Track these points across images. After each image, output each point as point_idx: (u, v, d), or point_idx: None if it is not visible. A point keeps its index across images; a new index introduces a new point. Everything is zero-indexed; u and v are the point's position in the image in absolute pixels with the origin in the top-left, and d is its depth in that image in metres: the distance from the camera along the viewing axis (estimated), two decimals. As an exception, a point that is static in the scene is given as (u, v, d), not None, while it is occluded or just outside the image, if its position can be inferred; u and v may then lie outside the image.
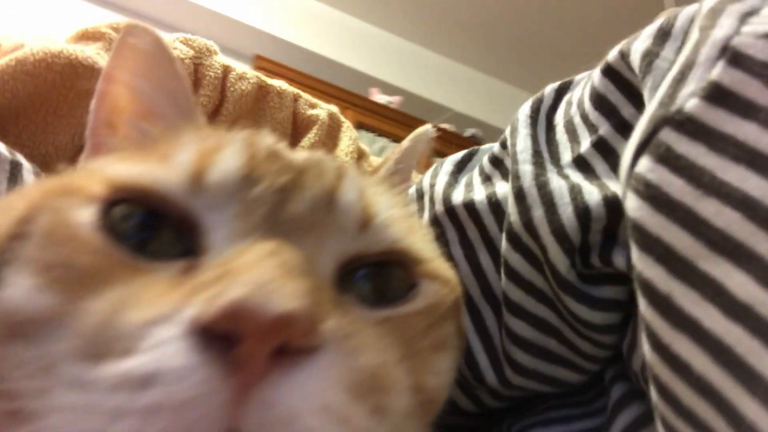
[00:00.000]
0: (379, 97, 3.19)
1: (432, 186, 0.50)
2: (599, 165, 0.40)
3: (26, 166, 0.47)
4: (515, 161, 0.42)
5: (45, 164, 0.60)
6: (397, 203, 0.36)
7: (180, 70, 0.40)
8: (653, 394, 0.28)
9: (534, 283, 0.41)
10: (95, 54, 0.61)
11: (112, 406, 0.20)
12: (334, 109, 0.82)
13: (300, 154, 0.33)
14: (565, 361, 0.43)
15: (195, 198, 0.28)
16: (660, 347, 0.26)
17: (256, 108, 0.75)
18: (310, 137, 0.76)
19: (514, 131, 0.44)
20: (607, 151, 0.39)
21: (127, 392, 0.20)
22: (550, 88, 0.47)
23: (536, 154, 0.41)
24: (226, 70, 0.73)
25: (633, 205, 0.27)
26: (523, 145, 0.42)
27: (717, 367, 0.24)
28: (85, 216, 0.27)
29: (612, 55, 0.39)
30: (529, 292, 0.41)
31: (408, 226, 0.35)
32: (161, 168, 0.29)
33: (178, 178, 0.28)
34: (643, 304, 0.28)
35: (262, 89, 0.75)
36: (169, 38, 0.71)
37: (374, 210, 0.32)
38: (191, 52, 0.71)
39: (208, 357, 0.20)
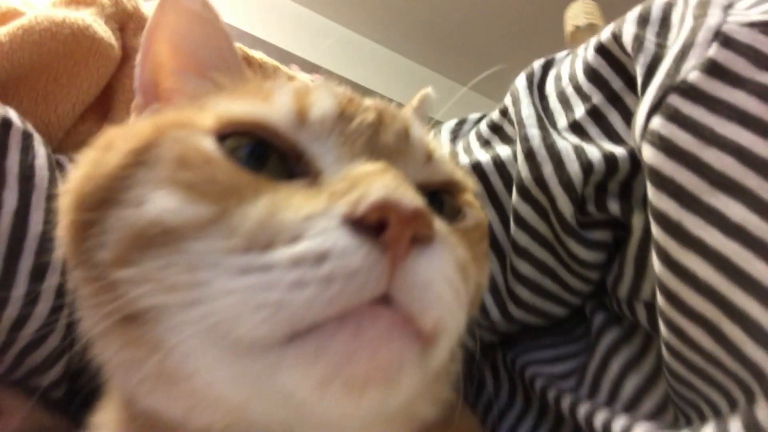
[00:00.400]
0: (299, 75, 3.18)
1: None
2: (592, 129, 0.46)
3: (36, 136, 0.48)
4: (522, 126, 0.48)
5: (47, 132, 0.60)
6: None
7: (224, 27, 0.43)
8: (660, 301, 0.35)
9: (539, 230, 0.48)
10: (93, 22, 0.61)
11: (292, 279, 0.25)
12: (309, 78, 0.85)
13: (367, 101, 0.38)
14: (556, 297, 0.50)
15: (300, 132, 0.33)
16: (670, 263, 0.33)
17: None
18: None
19: (516, 101, 0.51)
20: (599, 118, 0.46)
21: (307, 267, 0.25)
22: (537, 64, 0.54)
23: (540, 120, 0.48)
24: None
25: (649, 154, 0.34)
26: (528, 111, 0.49)
27: (718, 275, 0.31)
28: (209, 144, 0.32)
29: (605, 36, 0.45)
30: (534, 238, 0.48)
31: (453, 163, 0.42)
32: (266, 107, 0.33)
33: (285, 116, 0.33)
34: (656, 230, 0.34)
35: (246, 59, 0.77)
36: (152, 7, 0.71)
37: (433, 147, 0.39)
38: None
39: (363, 240, 0.26)
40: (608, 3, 2.67)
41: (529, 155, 0.46)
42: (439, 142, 0.44)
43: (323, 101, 0.34)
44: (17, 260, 0.42)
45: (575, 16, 2.57)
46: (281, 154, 0.33)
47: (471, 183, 0.43)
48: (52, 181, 0.46)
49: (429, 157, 0.38)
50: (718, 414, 0.33)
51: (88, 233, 0.33)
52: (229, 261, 0.27)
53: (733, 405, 0.32)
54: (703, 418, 0.35)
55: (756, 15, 0.33)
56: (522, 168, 0.47)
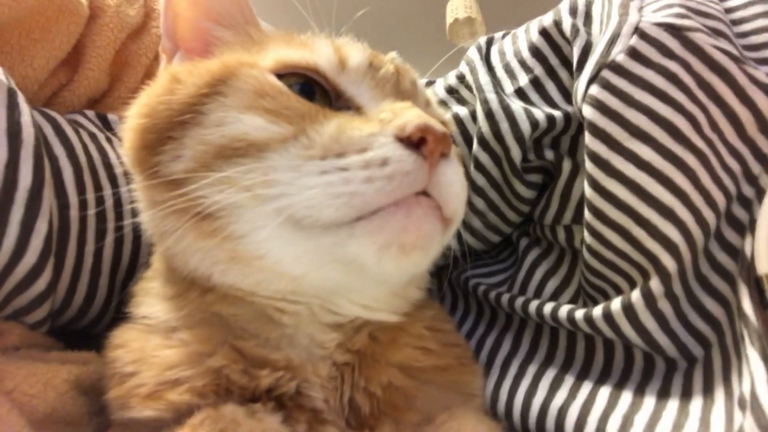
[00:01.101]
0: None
1: None
2: (533, 95, 0.59)
3: (20, 94, 0.49)
4: (481, 91, 0.60)
5: (24, 85, 0.63)
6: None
7: None
8: (587, 216, 0.48)
9: (492, 173, 0.60)
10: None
11: (364, 176, 0.36)
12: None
13: (383, 55, 0.50)
14: (495, 228, 0.64)
15: (341, 76, 0.44)
16: (599, 188, 0.46)
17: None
18: None
19: (473, 70, 0.63)
20: (539, 86, 0.59)
21: (375, 168, 0.36)
22: (482, 41, 0.67)
23: (495, 86, 0.60)
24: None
25: (588, 112, 0.46)
26: (484, 79, 0.61)
27: (632, 195, 0.44)
28: (275, 80, 0.42)
29: (547, 21, 0.58)
30: (488, 179, 0.60)
31: (441, 109, 0.54)
32: (315, 56, 0.44)
33: (329, 63, 0.44)
34: (589, 165, 0.47)
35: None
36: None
37: (428, 96, 0.52)
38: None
39: (410, 152, 0.37)
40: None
41: (489, 115, 0.58)
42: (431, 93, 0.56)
43: (357, 53, 0.45)
44: (8, 211, 0.44)
45: (455, 9, 2.78)
46: (324, 91, 0.43)
47: (451, 123, 0.56)
48: (38, 138, 0.48)
49: (428, 103, 0.50)
50: (620, 293, 0.46)
51: (160, 149, 0.41)
52: (309, 165, 0.37)
53: (633, 285, 0.45)
54: (607, 299, 0.48)
55: (660, 18, 0.46)
56: (482, 124, 0.58)
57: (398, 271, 0.39)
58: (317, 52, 0.44)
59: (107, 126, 0.66)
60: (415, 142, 0.37)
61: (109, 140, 0.62)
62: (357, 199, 0.36)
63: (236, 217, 0.39)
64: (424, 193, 0.38)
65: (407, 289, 0.50)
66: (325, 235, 0.37)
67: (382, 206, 0.36)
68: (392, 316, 0.48)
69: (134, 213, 0.49)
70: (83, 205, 0.52)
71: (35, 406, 0.43)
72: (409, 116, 0.38)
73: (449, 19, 2.83)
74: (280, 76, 0.42)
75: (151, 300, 0.48)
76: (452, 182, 0.40)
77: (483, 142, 0.59)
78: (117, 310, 0.57)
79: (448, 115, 0.55)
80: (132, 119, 0.44)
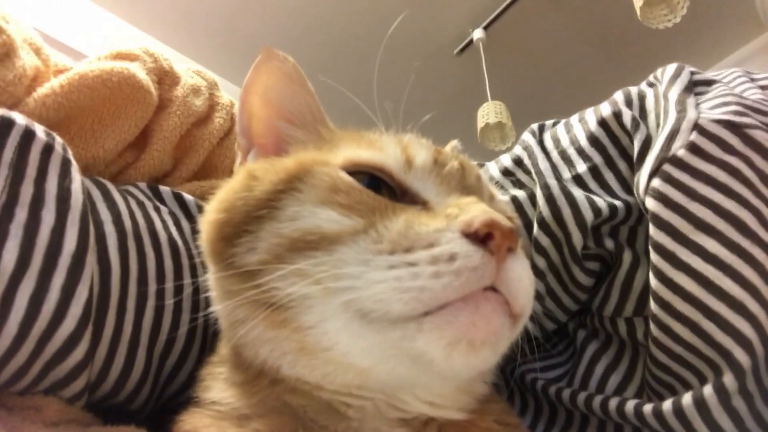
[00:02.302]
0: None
1: None
2: (592, 183, 0.60)
3: (74, 164, 0.51)
4: (541, 176, 0.61)
5: (94, 164, 0.66)
6: None
7: (309, 86, 0.54)
8: (654, 308, 0.47)
9: (552, 257, 0.60)
10: (137, 72, 0.69)
11: (432, 271, 0.36)
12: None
13: (446, 149, 0.51)
14: (551, 315, 0.63)
15: (408, 174, 0.45)
16: (665, 280, 0.46)
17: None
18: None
19: (531, 154, 0.64)
20: (598, 175, 0.60)
21: (443, 263, 0.37)
22: (535, 127, 0.68)
23: (555, 171, 0.61)
24: (231, 101, 0.84)
25: (651, 204, 0.47)
26: (544, 165, 0.62)
27: (699, 288, 0.44)
28: (346, 176, 0.43)
29: (606, 113, 0.60)
30: (548, 263, 0.60)
31: (504, 203, 0.54)
32: (383, 155, 0.46)
33: (397, 162, 0.45)
34: (654, 257, 0.47)
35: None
36: (184, 70, 0.80)
37: (492, 190, 0.53)
38: (206, 83, 0.81)
39: (477, 247, 0.37)
40: (513, 104, 3.02)
41: (550, 199, 0.58)
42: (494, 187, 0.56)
43: (422, 153, 0.47)
44: (51, 276, 0.44)
45: (487, 114, 2.91)
46: (389, 187, 0.45)
47: (516, 218, 0.56)
48: (85, 204, 0.49)
49: (492, 197, 0.51)
50: (689, 389, 0.45)
51: (236, 242, 0.43)
52: (378, 260, 0.38)
53: (703, 380, 0.44)
54: (674, 395, 0.46)
55: (718, 115, 0.48)
56: (543, 209, 0.59)
57: (467, 368, 0.39)
58: (385, 151, 0.46)
59: (158, 196, 0.67)
60: (482, 237, 0.38)
61: (157, 209, 0.63)
62: (425, 293, 0.36)
63: (306, 309, 0.39)
64: (493, 289, 0.38)
65: (474, 385, 0.49)
66: (393, 330, 0.37)
67: (450, 301, 0.36)
68: (459, 413, 0.47)
69: (207, 303, 0.50)
70: (125, 272, 0.52)
71: None
72: (475, 211, 0.39)
73: (480, 124, 2.95)
74: (350, 173, 0.44)
75: (220, 385, 0.48)
76: (521, 277, 0.40)
77: (544, 226, 0.59)
78: (153, 389, 0.57)
79: (509, 209, 0.56)
80: (210, 213, 0.47)
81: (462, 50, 3.31)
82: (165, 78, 0.75)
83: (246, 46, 3.11)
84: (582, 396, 0.53)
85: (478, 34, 3.16)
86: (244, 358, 0.46)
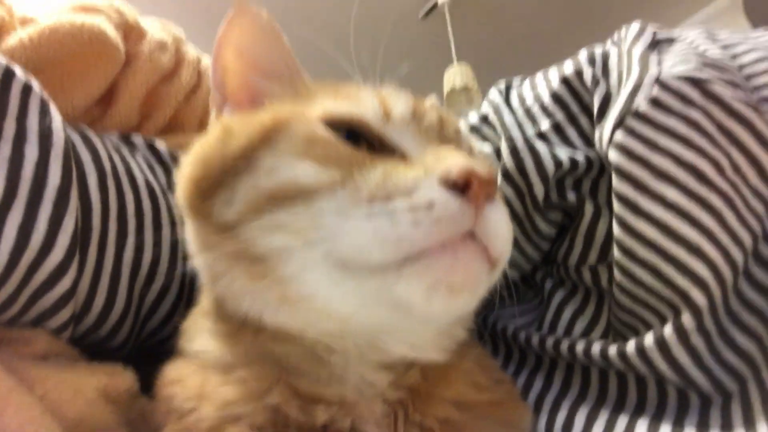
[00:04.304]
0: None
1: None
2: (554, 138, 0.62)
3: (52, 104, 0.52)
4: (506, 129, 0.62)
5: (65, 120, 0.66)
6: None
7: (285, 41, 0.54)
8: (617, 255, 0.49)
9: (514, 207, 0.62)
10: (107, 29, 0.69)
11: (411, 219, 0.37)
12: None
13: (425, 102, 0.52)
14: (515, 263, 0.66)
15: (386, 126, 0.45)
16: (627, 228, 0.48)
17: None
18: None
19: (497, 110, 0.66)
20: (560, 131, 0.62)
21: (422, 211, 0.37)
22: (502, 86, 0.70)
23: (519, 126, 0.63)
24: (198, 56, 0.84)
25: (614, 156, 0.49)
26: (509, 119, 0.64)
27: (660, 234, 0.46)
28: (323, 130, 0.44)
29: (568, 71, 0.62)
30: (511, 213, 0.60)
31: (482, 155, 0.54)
32: (361, 108, 0.46)
33: (375, 115, 0.45)
34: (617, 206, 0.49)
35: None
36: (150, 24, 0.80)
37: (472, 143, 0.53)
38: (171, 38, 0.81)
39: (456, 195, 0.38)
40: (479, 67, 3.03)
41: (514, 151, 0.61)
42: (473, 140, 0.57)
43: (401, 105, 0.47)
44: (38, 208, 0.45)
45: (452, 78, 2.92)
46: (368, 139, 0.45)
47: (495, 171, 0.57)
48: (67, 142, 0.50)
49: (471, 150, 0.52)
50: (651, 330, 0.47)
51: (213, 195, 0.44)
52: (357, 209, 0.38)
53: (663, 321, 0.47)
54: (638, 336, 0.49)
55: (679, 71, 0.49)
56: (507, 160, 0.61)
57: (446, 312, 0.40)
58: (363, 103, 0.46)
59: (131, 144, 0.68)
60: (461, 185, 0.38)
61: (132, 154, 0.64)
62: (404, 242, 0.37)
63: (286, 260, 0.40)
64: (471, 235, 0.39)
65: (454, 329, 0.51)
66: (372, 277, 0.38)
67: (429, 248, 0.37)
68: (440, 354, 0.48)
69: (184, 256, 0.51)
70: (105, 209, 0.53)
71: (65, 412, 0.43)
72: (453, 160, 0.40)
73: (446, 89, 2.95)
74: (328, 126, 0.45)
75: (204, 336, 0.49)
76: (498, 224, 0.40)
77: (507, 177, 0.61)
78: (135, 322, 0.58)
79: (487, 153, 0.57)
80: (186, 167, 0.47)
81: (427, 14, 3.29)
82: (131, 33, 0.74)
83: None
84: (551, 340, 0.56)
85: (442, -4, 3.15)
86: (226, 310, 0.46)
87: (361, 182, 0.40)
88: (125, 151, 0.63)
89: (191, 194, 0.46)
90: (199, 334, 0.49)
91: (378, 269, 0.38)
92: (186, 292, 0.64)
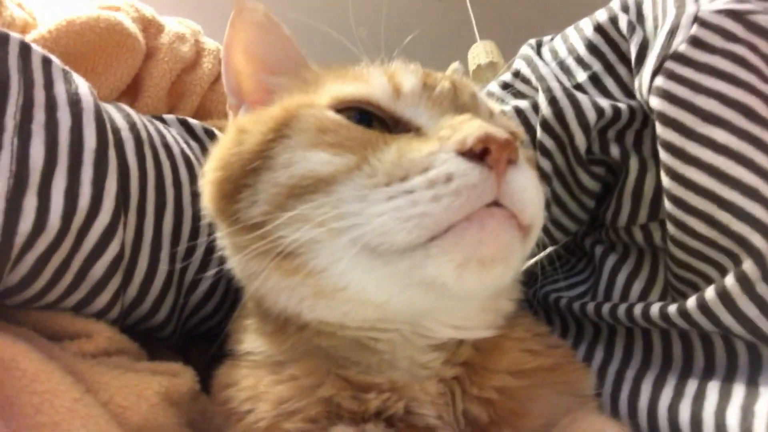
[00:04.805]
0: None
1: None
2: (592, 90, 0.58)
3: (75, 74, 0.52)
4: (543, 80, 0.59)
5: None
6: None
7: (285, 32, 0.53)
8: (668, 206, 0.46)
9: (556, 159, 0.59)
10: (124, 20, 0.69)
11: (430, 195, 0.36)
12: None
13: (438, 73, 0.50)
14: (558, 223, 0.63)
15: (397, 103, 0.44)
16: (677, 176, 0.45)
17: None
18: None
19: (530, 63, 0.63)
20: (598, 82, 0.59)
21: (441, 185, 0.36)
22: (533, 41, 0.67)
23: (555, 77, 0.59)
24: (218, 46, 0.84)
25: (656, 103, 0.46)
26: (545, 70, 0.60)
27: (712, 179, 0.43)
28: (334, 115, 0.43)
29: (602, 18, 0.58)
30: (553, 166, 0.59)
31: (506, 118, 0.52)
32: (369, 88, 0.44)
33: (384, 93, 0.44)
34: (664, 155, 0.46)
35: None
36: (167, 20, 0.80)
37: (491, 106, 0.51)
38: (189, 30, 0.81)
39: (474, 164, 0.36)
40: (502, 42, 2.97)
41: (553, 101, 0.57)
42: (493, 103, 0.54)
43: (410, 78, 0.45)
44: (79, 171, 0.45)
45: (477, 55, 2.86)
46: (381, 119, 0.43)
47: (521, 131, 0.55)
48: (97, 105, 0.50)
49: (491, 114, 0.50)
50: (712, 284, 0.44)
51: (237, 197, 0.43)
52: (376, 193, 0.37)
53: (724, 273, 0.44)
54: (698, 291, 0.46)
55: (718, 5, 0.46)
56: (546, 111, 0.58)
57: (481, 287, 0.38)
58: (371, 83, 0.45)
59: (163, 121, 0.68)
60: (478, 153, 0.36)
61: (166, 128, 0.64)
62: (427, 219, 0.35)
63: (315, 253, 0.39)
64: (497, 204, 0.37)
65: (498, 303, 0.49)
66: (401, 260, 0.37)
67: (454, 223, 0.36)
68: (487, 332, 0.47)
69: (221, 261, 0.50)
70: (143, 176, 0.53)
71: (129, 418, 0.43)
72: (468, 129, 0.38)
73: (472, 66, 2.89)
74: (338, 111, 0.43)
75: (251, 336, 0.49)
76: (524, 188, 0.38)
77: (547, 127, 0.58)
78: (177, 298, 0.57)
79: (512, 124, 0.54)
80: (208, 173, 0.47)
81: (446, -8, 3.25)
82: (149, 27, 0.75)
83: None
84: (606, 307, 0.53)
85: (460, -27, 3.10)
86: (267, 309, 0.46)
87: (376, 164, 0.38)
88: (159, 125, 0.62)
89: (217, 198, 0.45)
90: (247, 335, 0.49)
91: (406, 251, 0.36)
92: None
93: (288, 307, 0.44)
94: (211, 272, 0.58)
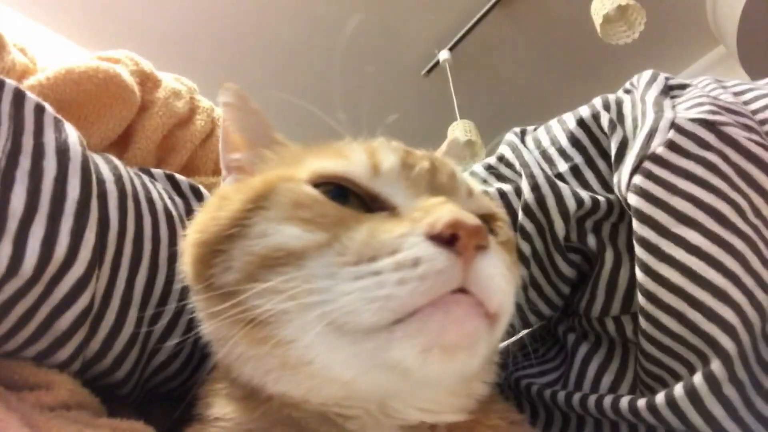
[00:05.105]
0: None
1: None
2: (572, 180, 0.61)
3: (66, 123, 0.53)
4: (527, 166, 0.61)
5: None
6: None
7: (255, 106, 0.57)
8: (641, 301, 0.48)
9: (535, 243, 0.60)
10: (122, 72, 0.70)
11: (397, 278, 0.36)
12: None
13: (417, 151, 0.51)
14: (534, 306, 0.64)
15: (375, 180, 0.44)
16: (651, 272, 0.47)
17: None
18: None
19: (515, 149, 0.65)
20: (578, 174, 0.61)
21: (407, 269, 0.36)
22: (517, 130, 0.70)
23: (538, 165, 0.62)
24: (211, 105, 0.86)
25: (633, 200, 0.49)
26: (528, 157, 0.63)
27: (684, 278, 0.45)
28: (312, 190, 0.43)
29: (585, 114, 0.62)
30: (532, 250, 0.61)
31: (487, 198, 0.53)
32: (348, 164, 0.45)
33: (362, 169, 0.45)
34: (639, 251, 0.48)
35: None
36: (164, 75, 0.81)
37: (472, 185, 0.51)
38: (185, 87, 0.83)
39: (442, 249, 0.37)
40: (481, 122, 3.08)
41: (535, 188, 0.59)
42: (475, 182, 0.55)
43: (389, 157, 0.46)
44: (59, 221, 0.45)
45: (455, 133, 2.96)
46: (358, 195, 0.44)
47: (501, 212, 0.55)
48: (85, 156, 0.50)
49: (470, 193, 0.50)
50: (679, 380, 0.46)
51: (212, 263, 0.43)
52: (344, 271, 0.37)
53: (692, 370, 0.45)
54: (666, 387, 0.47)
55: (694, 114, 0.50)
56: (528, 196, 0.59)
57: (445, 373, 0.38)
58: (351, 159, 0.45)
59: (150, 175, 0.68)
60: (447, 238, 0.36)
61: (152, 182, 0.64)
62: (392, 302, 0.35)
63: (284, 324, 0.39)
64: (464, 291, 0.37)
65: (470, 386, 0.48)
66: (367, 340, 0.37)
67: (419, 307, 0.35)
68: (458, 416, 0.46)
69: (190, 323, 0.51)
70: (122, 230, 0.52)
71: None
72: (439, 213, 0.38)
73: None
74: (316, 185, 0.44)
75: (222, 401, 0.47)
76: (492, 276, 0.38)
77: (528, 212, 0.60)
78: (141, 355, 0.56)
79: (493, 204, 0.55)
80: (189, 236, 0.48)
81: (429, 71, 3.38)
82: (147, 81, 0.76)
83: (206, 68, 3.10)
84: (577, 397, 0.54)
85: (444, 55, 3.23)
86: (234, 376, 0.46)
87: (347, 243, 0.39)
88: (145, 178, 0.62)
89: (194, 261, 0.46)
90: (217, 399, 0.48)
91: (371, 332, 0.36)
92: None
93: (253, 377, 0.43)
94: (176, 340, 0.57)
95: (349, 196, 0.44)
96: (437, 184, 0.46)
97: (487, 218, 0.50)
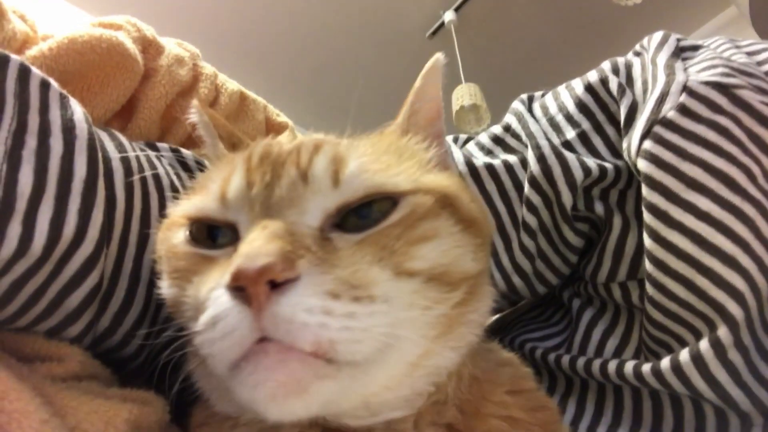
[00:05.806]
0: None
1: None
2: (580, 148, 0.60)
3: (72, 99, 0.52)
4: (532, 137, 0.60)
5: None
6: (376, 150, 0.45)
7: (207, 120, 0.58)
8: (648, 268, 0.47)
9: (542, 215, 0.60)
10: (125, 40, 0.69)
11: (206, 339, 0.35)
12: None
13: (290, 143, 0.47)
14: (541, 276, 0.64)
15: (227, 211, 0.42)
16: (659, 239, 0.46)
17: (240, 109, 0.88)
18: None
19: (521, 119, 0.64)
20: (586, 140, 0.60)
21: (210, 330, 0.35)
22: (524, 97, 0.69)
23: (545, 134, 0.61)
24: (214, 71, 0.84)
25: (643, 165, 0.48)
26: (535, 127, 0.62)
27: (693, 245, 0.45)
28: (180, 237, 0.44)
29: (593, 79, 0.60)
30: (539, 222, 0.60)
31: (386, 164, 0.43)
32: (205, 198, 0.44)
33: (213, 203, 0.43)
34: (648, 217, 0.47)
35: (242, 94, 0.87)
36: (167, 41, 0.80)
37: (344, 169, 0.41)
38: (188, 53, 0.81)
39: (236, 301, 0.34)
40: (486, 85, 3.04)
41: (541, 159, 0.59)
42: (368, 152, 0.44)
43: (235, 179, 0.42)
44: (67, 201, 0.44)
45: (461, 96, 2.93)
46: (224, 228, 0.42)
47: (405, 182, 0.42)
48: (91, 133, 0.49)
49: (336, 182, 0.41)
50: (685, 346, 0.46)
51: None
52: (192, 325, 0.37)
53: (698, 336, 0.45)
54: (671, 353, 0.47)
55: (707, 77, 0.49)
56: (534, 168, 0.59)
57: (296, 415, 0.36)
58: (209, 190, 0.43)
59: (155, 149, 0.68)
60: (239, 288, 0.33)
61: (158, 158, 0.64)
62: (218, 356, 0.35)
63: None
64: (267, 339, 0.33)
65: (412, 376, 0.42)
66: (225, 380, 0.36)
67: (239, 358, 0.34)
68: (405, 411, 0.42)
69: None
70: (129, 208, 0.53)
71: None
72: (235, 260, 0.34)
73: (455, 107, 2.96)
74: (191, 225, 0.43)
75: (198, 413, 0.49)
76: (293, 315, 0.33)
77: (535, 184, 0.59)
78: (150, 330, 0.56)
79: (498, 162, 0.55)
80: None
81: (434, 33, 3.32)
82: (149, 47, 0.74)
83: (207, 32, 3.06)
84: (581, 361, 0.54)
85: (449, 16, 3.18)
86: None
87: (186, 299, 0.40)
88: (151, 154, 0.62)
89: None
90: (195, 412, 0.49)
91: (226, 377, 0.36)
92: None
93: (205, 393, 0.46)
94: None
95: (220, 230, 0.42)
96: (273, 201, 0.40)
97: (380, 195, 0.41)
